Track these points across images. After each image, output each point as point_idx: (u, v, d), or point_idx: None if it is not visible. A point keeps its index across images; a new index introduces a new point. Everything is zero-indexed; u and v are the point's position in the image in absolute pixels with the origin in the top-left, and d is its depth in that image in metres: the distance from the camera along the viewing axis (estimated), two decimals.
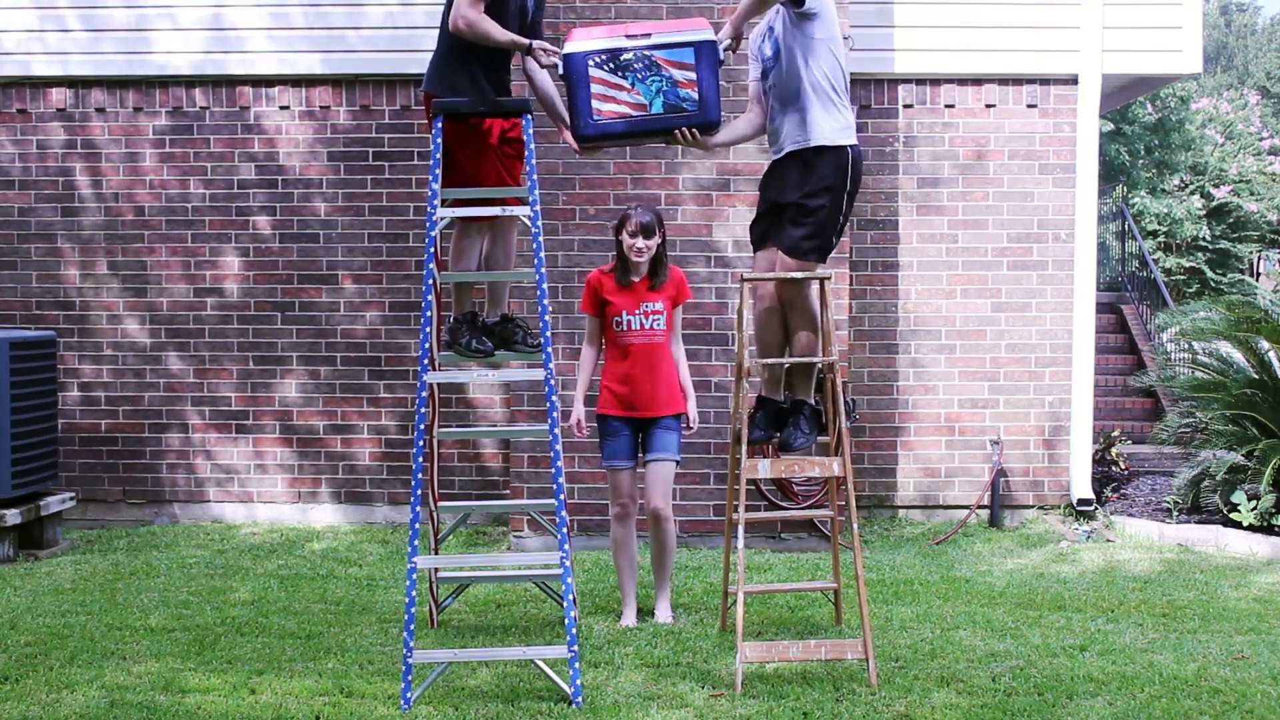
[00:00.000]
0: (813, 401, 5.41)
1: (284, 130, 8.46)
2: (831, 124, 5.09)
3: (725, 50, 5.14)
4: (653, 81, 5.04)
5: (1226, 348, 8.88)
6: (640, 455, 5.83)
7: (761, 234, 5.37)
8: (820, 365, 5.34)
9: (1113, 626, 5.75)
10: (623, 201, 7.70)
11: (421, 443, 4.95)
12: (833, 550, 5.76)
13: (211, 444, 8.51)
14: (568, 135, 5.32)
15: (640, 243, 5.63)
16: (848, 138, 5.13)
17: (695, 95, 5.07)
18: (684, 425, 5.86)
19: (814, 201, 5.11)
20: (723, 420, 7.63)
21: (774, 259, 5.27)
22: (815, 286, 5.26)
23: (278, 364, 8.48)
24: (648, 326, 5.70)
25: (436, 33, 5.30)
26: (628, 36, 5.04)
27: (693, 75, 5.04)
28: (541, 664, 4.84)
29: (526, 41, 5.14)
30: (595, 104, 5.07)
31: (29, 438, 7.45)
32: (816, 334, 5.29)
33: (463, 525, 8.18)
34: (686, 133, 5.13)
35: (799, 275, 5.17)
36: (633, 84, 5.04)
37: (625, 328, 5.71)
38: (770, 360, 5.33)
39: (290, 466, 8.49)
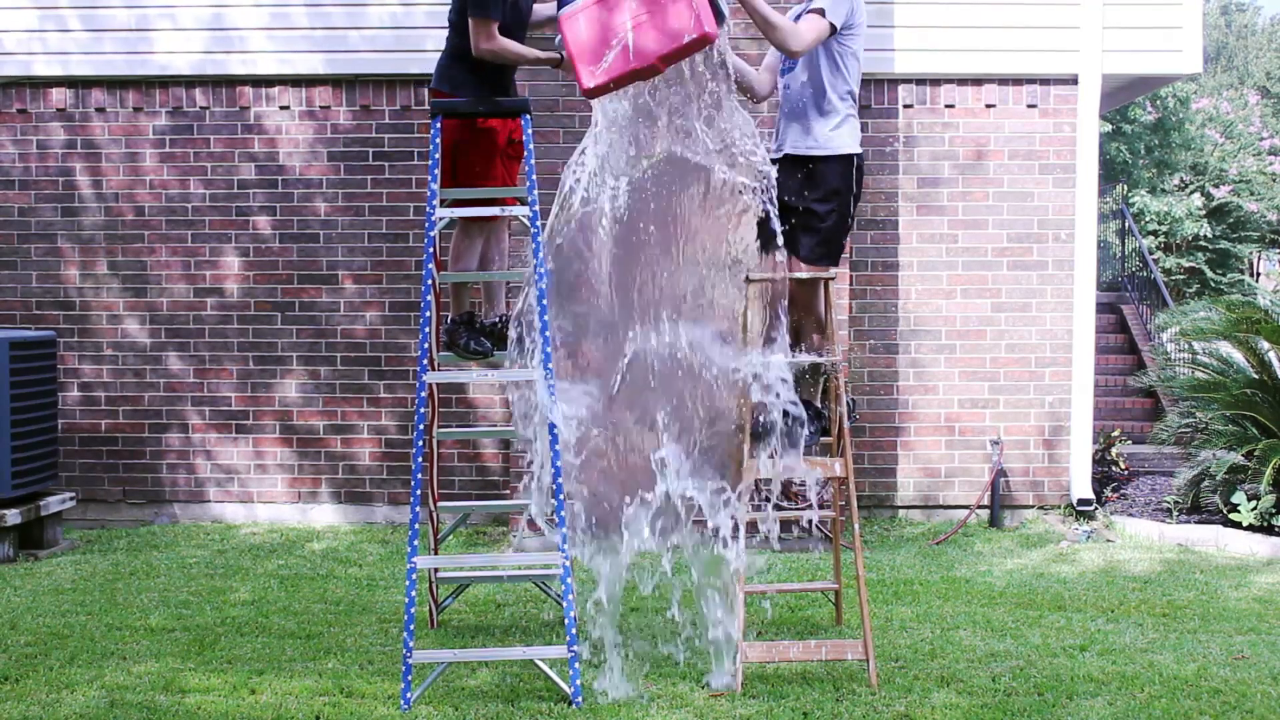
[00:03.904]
0: (817, 404, 5.42)
1: (284, 130, 8.46)
2: (845, 132, 5.15)
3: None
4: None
5: (1226, 348, 8.88)
6: None
7: (768, 237, 5.37)
8: (824, 365, 5.35)
9: (1113, 626, 5.75)
10: None
11: (421, 443, 4.96)
12: (833, 550, 5.77)
13: (211, 444, 8.51)
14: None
15: None
16: (856, 145, 5.18)
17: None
18: None
19: (824, 207, 5.15)
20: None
21: (785, 263, 5.28)
22: (820, 287, 5.27)
23: (278, 364, 8.48)
24: None
25: (438, 32, 5.34)
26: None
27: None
28: (541, 664, 4.84)
29: (558, 56, 5.24)
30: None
31: (29, 438, 7.45)
32: (824, 337, 5.31)
33: (463, 525, 8.18)
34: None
35: (805, 275, 5.18)
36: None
37: None
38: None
39: (290, 466, 8.49)
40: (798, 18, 5.18)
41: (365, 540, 7.94)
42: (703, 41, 4.77)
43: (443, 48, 5.42)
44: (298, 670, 5.10)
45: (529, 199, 5.04)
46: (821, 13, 5.03)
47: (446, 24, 5.37)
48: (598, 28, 4.88)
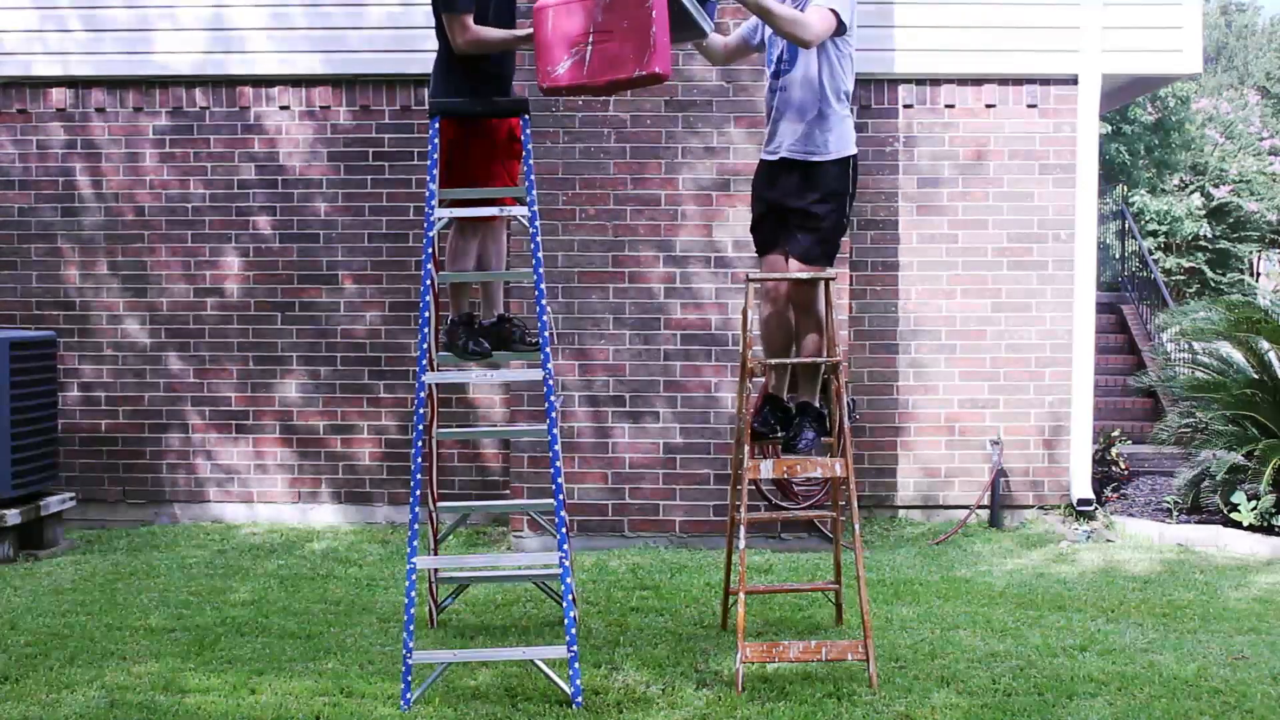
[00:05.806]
0: (817, 404, 5.42)
1: (284, 130, 8.46)
2: (840, 134, 5.14)
3: None
4: None
5: (1226, 348, 8.88)
6: None
7: (766, 238, 5.37)
8: (824, 366, 5.35)
9: (1113, 626, 5.75)
10: (623, 201, 7.71)
11: (421, 443, 4.96)
12: (834, 550, 5.76)
13: (211, 444, 8.51)
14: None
15: None
16: (853, 146, 5.18)
17: None
18: None
19: (822, 208, 5.14)
20: (721, 421, 7.63)
21: (782, 265, 5.28)
22: (820, 288, 5.27)
23: (278, 364, 8.48)
24: None
25: (435, 32, 5.33)
26: None
27: None
28: (541, 664, 4.84)
29: (526, 32, 5.14)
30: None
31: (29, 438, 7.45)
32: (823, 337, 5.31)
33: (463, 525, 8.17)
34: None
35: (804, 276, 5.17)
36: None
37: None
38: (777, 361, 5.33)
39: (290, 466, 8.49)
40: (801, 8, 5.12)
41: (365, 540, 7.94)
42: (652, 79, 4.80)
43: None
44: (298, 670, 5.09)
45: (528, 199, 5.04)
46: (825, 7, 5.00)
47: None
48: (561, 31, 4.90)
